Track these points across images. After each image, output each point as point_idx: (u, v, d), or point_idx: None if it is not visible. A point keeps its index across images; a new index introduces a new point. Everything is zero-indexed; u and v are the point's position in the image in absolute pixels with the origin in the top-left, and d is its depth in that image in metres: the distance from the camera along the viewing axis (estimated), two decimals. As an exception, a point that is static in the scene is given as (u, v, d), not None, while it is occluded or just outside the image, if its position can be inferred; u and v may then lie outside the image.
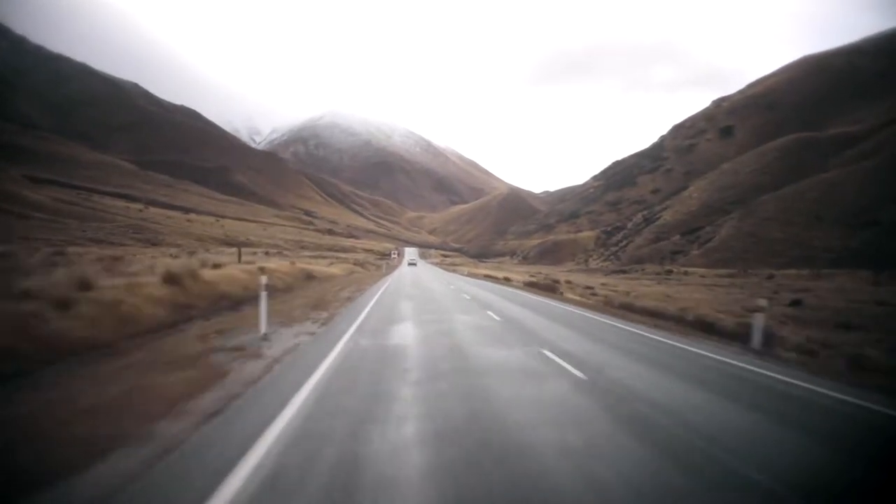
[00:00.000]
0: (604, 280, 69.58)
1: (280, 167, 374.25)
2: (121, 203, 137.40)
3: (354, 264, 59.89)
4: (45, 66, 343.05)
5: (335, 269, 38.57)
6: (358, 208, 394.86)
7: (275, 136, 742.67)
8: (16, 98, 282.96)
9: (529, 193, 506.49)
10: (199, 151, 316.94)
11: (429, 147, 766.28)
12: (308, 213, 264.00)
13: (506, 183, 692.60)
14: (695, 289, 57.40)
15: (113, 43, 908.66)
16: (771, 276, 76.64)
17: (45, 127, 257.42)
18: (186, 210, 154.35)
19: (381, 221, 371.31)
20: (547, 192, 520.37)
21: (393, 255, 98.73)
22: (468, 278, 50.23)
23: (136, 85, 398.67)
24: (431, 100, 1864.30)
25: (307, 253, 78.73)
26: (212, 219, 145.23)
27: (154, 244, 78.53)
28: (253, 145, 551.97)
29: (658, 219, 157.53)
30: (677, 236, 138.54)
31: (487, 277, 54.03)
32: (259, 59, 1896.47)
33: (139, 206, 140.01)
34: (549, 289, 30.03)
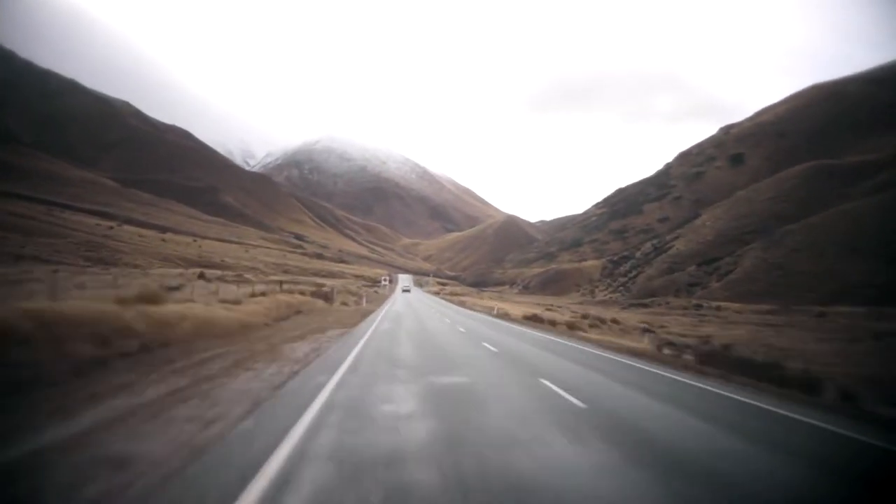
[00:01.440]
0: (638, 317, 58.98)
1: (271, 190, 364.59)
2: (92, 220, 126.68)
3: (313, 295, 37.57)
4: (33, 81, 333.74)
5: (261, 307, 19.61)
6: (351, 233, 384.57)
7: (269, 159, 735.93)
8: (1, 113, 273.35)
9: (525, 222, 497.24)
10: (188, 171, 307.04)
11: (424, 174, 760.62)
12: (298, 237, 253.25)
13: (501, 211, 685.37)
14: (755, 330, 47.02)
15: (107, 62, 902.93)
16: (822, 315, 66.38)
17: (30, 143, 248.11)
18: (164, 229, 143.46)
19: (375, 247, 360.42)
20: (542, 221, 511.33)
21: (383, 283, 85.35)
22: (507, 325, 30.15)
23: (126, 103, 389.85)
24: (428, 127, 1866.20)
25: (278, 277, 67.66)
26: (189, 239, 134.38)
27: (108, 264, 67.69)
28: (247, 168, 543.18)
29: (670, 248, 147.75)
30: (693, 267, 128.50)
31: (532, 322, 33.69)
32: (255, 82, 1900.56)
33: (112, 223, 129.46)
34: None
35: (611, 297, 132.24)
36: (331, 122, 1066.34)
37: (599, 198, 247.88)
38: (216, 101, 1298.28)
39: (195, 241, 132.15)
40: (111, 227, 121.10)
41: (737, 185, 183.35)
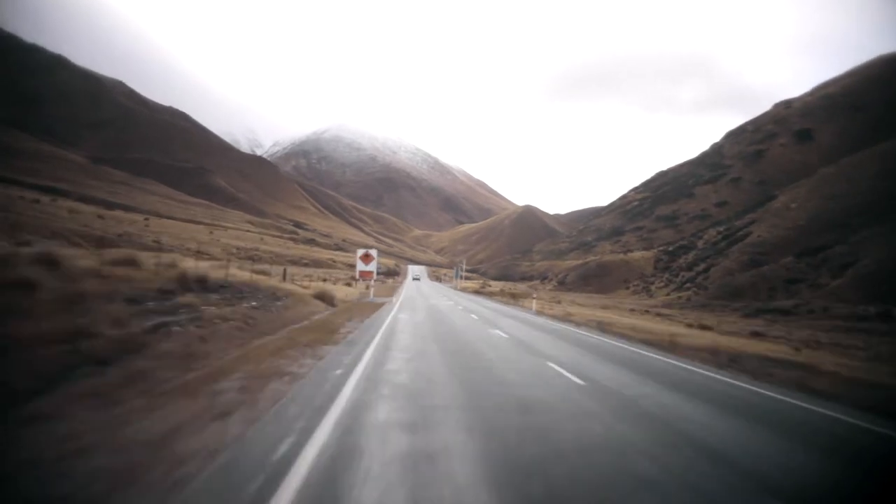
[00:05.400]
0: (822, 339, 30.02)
1: (271, 175, 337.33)
2: (16, 193, 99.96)
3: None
4: (17, 56, 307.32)
5: None
6: (357, 223, 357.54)
7: (276, 148, 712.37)
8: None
9: (544, 213, 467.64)
10: (179, 152, 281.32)
11: (436, 164, 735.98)
12: (297, 224, 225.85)
13: (514, 203, 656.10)
14: None
15: (113, 47, 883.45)
16: None
17: (5, 118, 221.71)
18: (112, 206, 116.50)
19: (384, 238, 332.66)
20: (558, 215, 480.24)
21: (360, 272, 37.52)
22: None
23: (120, 82, 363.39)
24: (440, 117, 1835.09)
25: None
26: (140, 217, 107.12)
27: None
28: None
29: (746, 236, 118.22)
30: (789, 258, 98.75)
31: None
32: (264, 71, 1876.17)
33: (46, 197, 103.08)
34: None
35: (679, 297, 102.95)
36: (340, 111, 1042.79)
37: (616, 195, 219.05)
38: (224, 90, 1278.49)
39: (146, 219, 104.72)
40: (37, 201, 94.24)
41: (809, 163, 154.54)
